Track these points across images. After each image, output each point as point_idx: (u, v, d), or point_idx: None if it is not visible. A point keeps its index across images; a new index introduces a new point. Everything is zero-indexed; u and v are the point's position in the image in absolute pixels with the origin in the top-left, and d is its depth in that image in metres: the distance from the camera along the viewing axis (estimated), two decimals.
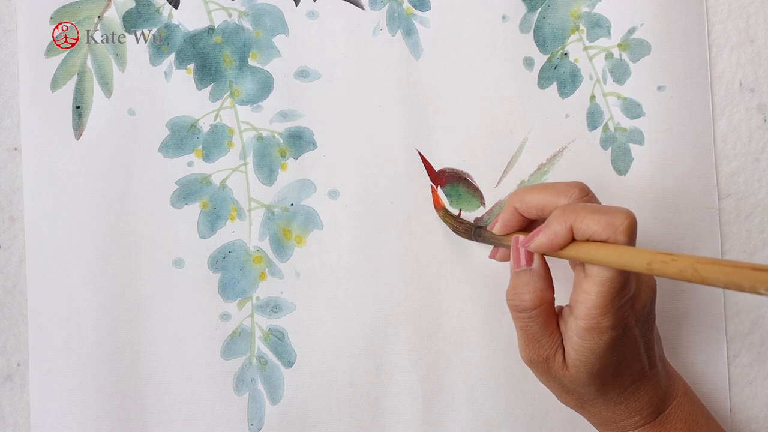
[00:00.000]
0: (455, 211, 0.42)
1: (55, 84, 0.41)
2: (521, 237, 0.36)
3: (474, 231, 0.40)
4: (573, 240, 0.33)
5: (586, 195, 0.34)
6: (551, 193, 0.35)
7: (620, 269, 0.31)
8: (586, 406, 0.36)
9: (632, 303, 0.33)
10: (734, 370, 0.42)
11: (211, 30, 0.42)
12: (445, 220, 0.41)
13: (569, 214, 0.33)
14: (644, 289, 0.35)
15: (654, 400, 0.36)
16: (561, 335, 0.34)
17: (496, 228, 0.37)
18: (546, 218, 0.34)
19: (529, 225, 0.37)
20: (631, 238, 0.31)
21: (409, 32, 0.42)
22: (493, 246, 0.39)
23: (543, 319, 0.34)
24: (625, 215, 0.32)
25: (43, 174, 0.41)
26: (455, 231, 0.41)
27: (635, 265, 0.30)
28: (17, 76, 0.41)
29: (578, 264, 0.34)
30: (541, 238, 0.33)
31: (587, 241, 0.32)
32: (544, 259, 0.35)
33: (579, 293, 0.33)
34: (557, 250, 0.33)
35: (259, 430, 0.41)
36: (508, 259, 0.37)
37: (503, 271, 0.42)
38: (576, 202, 0.34)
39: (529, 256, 0.35)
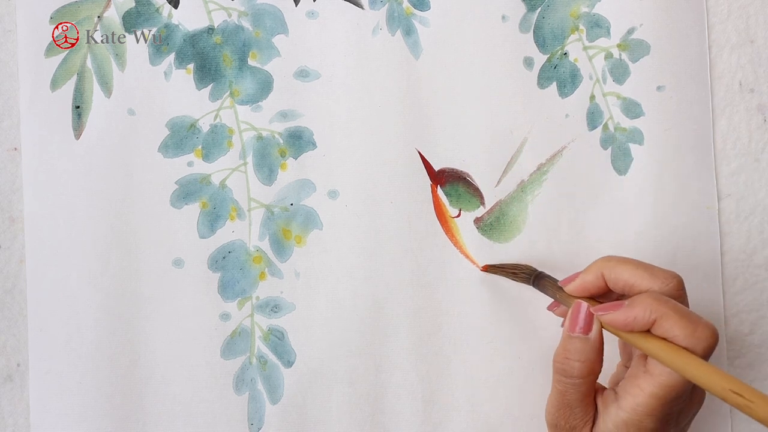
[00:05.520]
0: (454, 212, 0.42)
1: (55, 84, 0.41)
2: (584, 303, 0.34)
3: (534, 277, 0.38)
4: (648, 331, 0.32)
5: (681, 290, 0.33)
6: (648, 274, 0.33)
7: (688, 381, 0.30)
8: None
9: (678, 415, 0.33)
10: (734, 371, 0.42)
11: (210, 30, 0.42)
12: (496, 273, 0.41)
13: (657, 306, 0.31)
14: (693, 404, 0.34)
15: None
16: (595, 411, 0.34)
17: (572, 287, 0.35)
18: (628, 295, 0.33)
19: (604, 294, 0.35)
20: (707, 359, 0.31)
21: (408, 32, 0.42)
22: (551, 298, 0.38)
23: (585, 390, 0.33)
24: (711, 332, 0.31)
25: (43, 174, 0.41)
26: (511, 278, 0.40)
27: (715, 389, 0.29)
28: (17, 76, 0.41)
29: (640, 354, 0.33)
30: (618, 315, 0.32)
31: (664, 339, 0.31)
32: (602, 332, 0.34)
33: (632, 385, 0.32)
34: (628, 333, 0.32)
35: (260, 429, 0.41)
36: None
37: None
38: (667, 297, 0.32)
39: (589, 324, 0.34)
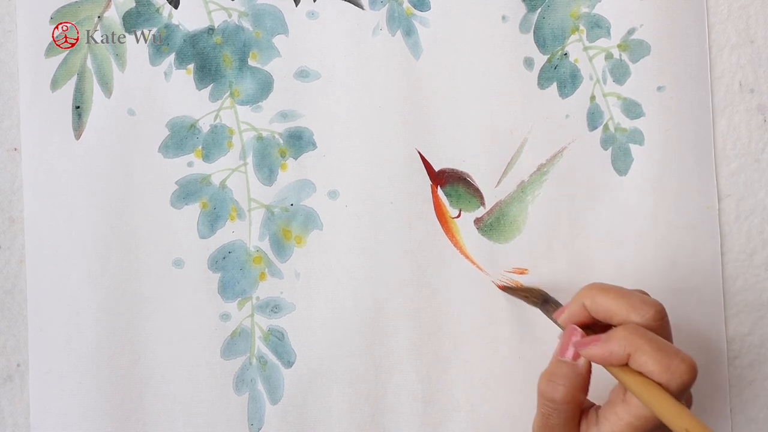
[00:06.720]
0: (455, 212, 0.42)
1: (55, 84, 0.41)
2: (578, 330, 0.34)
3: (541, 302, 0.39)
4: (627, 365, 0.32)
5: (660, 320, 0.33)
6: (626, 304, 0.33)
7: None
8: None
9: None
10: (734, 371, 0.42)
11: (211, 30, 0.42)
12: (508, 293, 0.41)
13: (633, 340, 0.31)
14: None
15: None
16: None
17: (562, 319, 0.36)
18: (612, 324, 0.34)
19: (595, 321, 0.35)
20: (683, 393, 0.31)
21: (409, 32, 0.42)
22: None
23: (567, 416, 0.33)
24: (687, 367, 0.31)
25: (43, 174, 0.41)
26: (524, 300, 0.40)
27: (673, 426, 0.29)
28: (17, 76, 0.41)
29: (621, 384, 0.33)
30: (595, 350, 0.32)
31: (641, 374, 0.31)
32: (591, 362, 0.34)
33: (610, 413, 0.32)
34: (607, 366, 0.32)
35: (260, 429, 0.41)
36: None
37: (503, 271, 0.42)
38: (644, 330, 0.32)
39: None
